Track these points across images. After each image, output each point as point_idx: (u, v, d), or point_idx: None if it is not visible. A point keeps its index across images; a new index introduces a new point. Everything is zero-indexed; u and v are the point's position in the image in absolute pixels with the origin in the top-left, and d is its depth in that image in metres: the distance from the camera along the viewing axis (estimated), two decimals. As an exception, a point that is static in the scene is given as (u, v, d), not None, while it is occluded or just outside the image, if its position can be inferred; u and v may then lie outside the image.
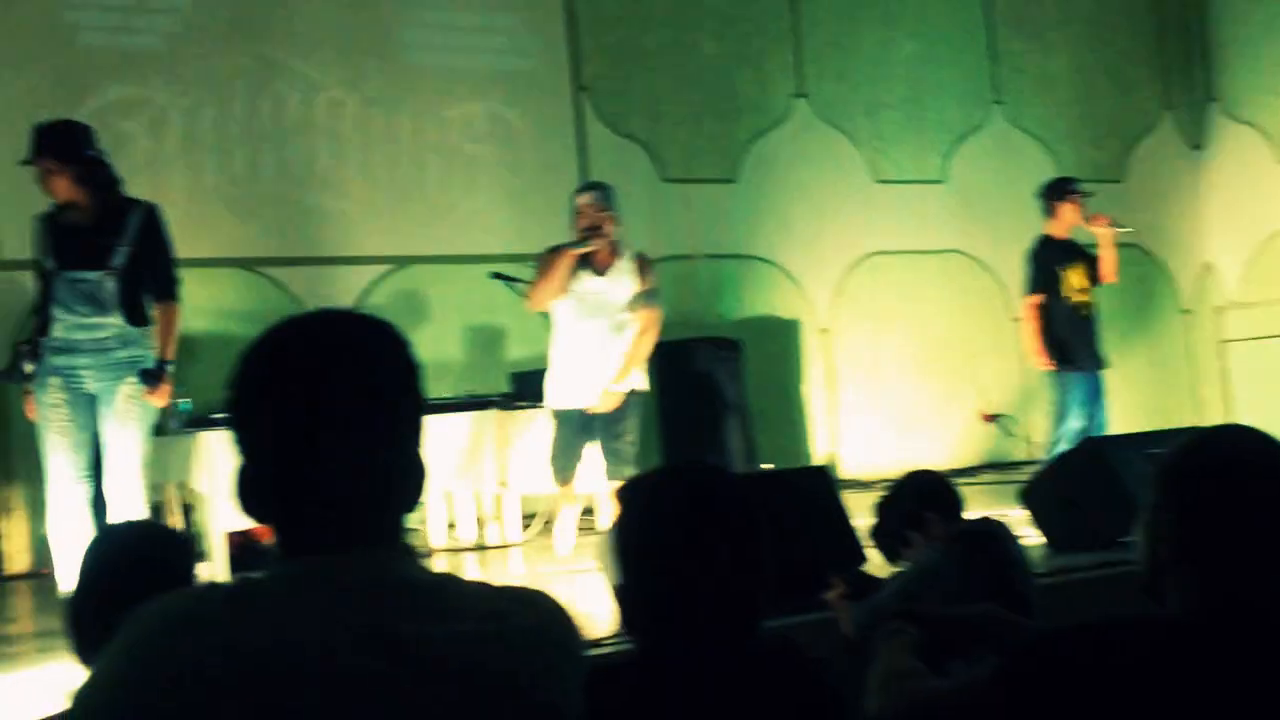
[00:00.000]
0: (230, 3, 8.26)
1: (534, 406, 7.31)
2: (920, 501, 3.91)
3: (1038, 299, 7.66)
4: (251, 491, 1.51)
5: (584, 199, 6.39)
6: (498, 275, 7.65)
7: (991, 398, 10.56)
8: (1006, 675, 1.88)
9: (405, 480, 1.54)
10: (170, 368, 5.32)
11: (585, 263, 6.27)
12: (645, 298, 6.31)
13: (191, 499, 6.47)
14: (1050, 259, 7.69)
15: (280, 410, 1.48)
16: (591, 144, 9.38)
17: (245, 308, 7.98)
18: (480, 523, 7.40)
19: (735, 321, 9.62)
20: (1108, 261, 7.76)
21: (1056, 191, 7.85)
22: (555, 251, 6.31)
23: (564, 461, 6.38)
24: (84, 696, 1.43)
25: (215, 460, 6.23)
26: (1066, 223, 7.76)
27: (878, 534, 4.05)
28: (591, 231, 6.24)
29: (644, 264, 6.40)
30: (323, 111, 8.47)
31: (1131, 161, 11.44)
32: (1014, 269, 10.79)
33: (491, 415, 7.09)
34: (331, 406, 1.47)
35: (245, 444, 1.52)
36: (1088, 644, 1.81)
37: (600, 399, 6.25)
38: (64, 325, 5.22)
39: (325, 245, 8.36)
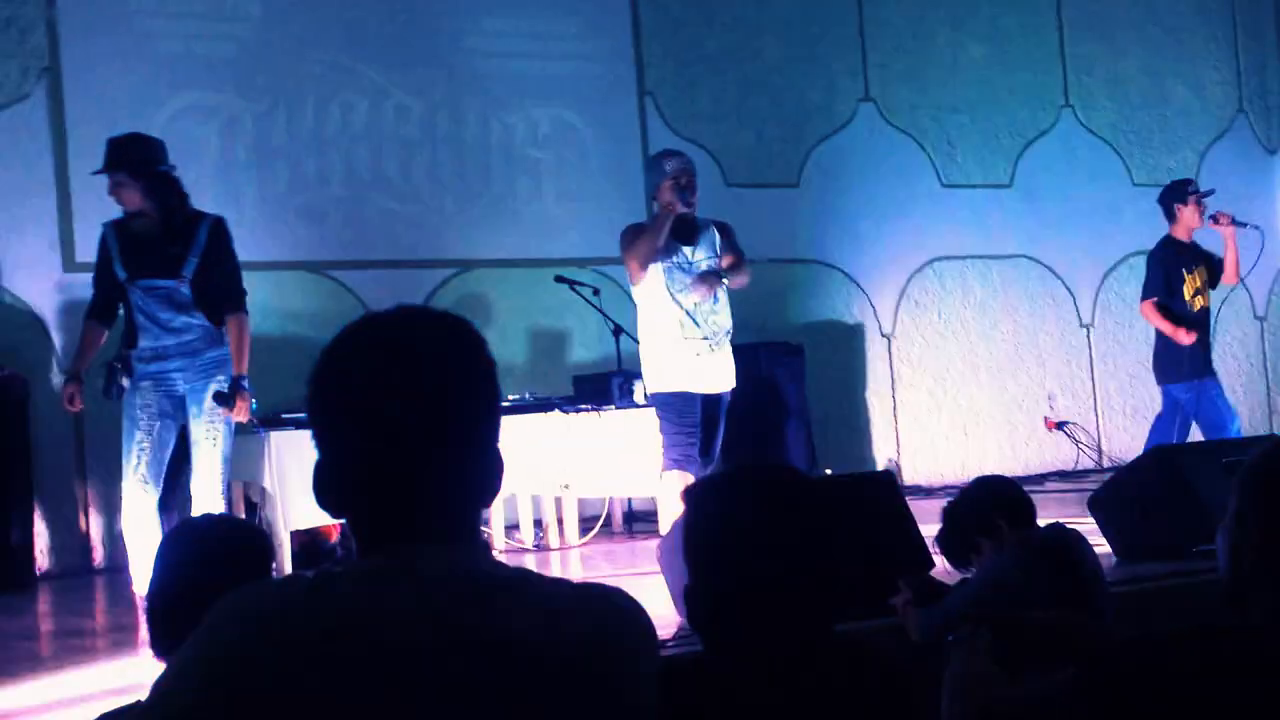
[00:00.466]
0: (301, 12, 8.35)
1: (596, 409, 7.35)
2: (990, 507, 3.88)
3: (1156, 301, 7.60)
4: (329, 486, 1.53)
5: (674, 163, 6.32)
6: (561, 279, 7.69)
7: (1058, 405, 10.47)
8: (1087, 683, 1.86)
9: (482, 475, 1.55)
10: (245, 381, 5.44)
11: (675, 234, 6.22)
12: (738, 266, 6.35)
13: (259, 497, 6.54)
14: (1171, 262, 7.63)
15: (358, 406, 1.50)
16: (655, 148, 9.37)
17: (313, 310, 8.05)
18: (540, 525, 7.43)
19: (798, 326, 9.59)
20: (1231, 261, 7.73)
21: (1176, 193, 7.80)
22: (638, 227, 6.33)
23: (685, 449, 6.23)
24: (166, 684, 1.45)
25: (283, 459, 6.32)
26: (1187, 225, 7.70)
27: (945, 539, 4.02)
28: (689, 193, 6.19)
29: (728, 230, 6.42)
30: (390, 117, 8.54)
31: (1204, 165, 11.30)
32: (1082, 274, 10.80)
33: (554, 417, 7.11)
34: (409, 402, 1.49)
35: (324, 439, 1.54)
36: (1171, 653, 1.79)
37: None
38: (150, 334, 5.36)
39: (392, 249, 8.43)
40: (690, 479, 5.94)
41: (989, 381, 10.32)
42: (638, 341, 6.49)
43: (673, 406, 6.23)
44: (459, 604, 1.44)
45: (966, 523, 3.89)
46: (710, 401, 6.39)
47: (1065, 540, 3.78)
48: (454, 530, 1.51)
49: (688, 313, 6.25)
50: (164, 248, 5.38)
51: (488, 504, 1.57)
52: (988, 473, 4.35)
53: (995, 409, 10.30)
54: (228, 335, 5.51)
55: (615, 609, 1.54)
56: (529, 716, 1.42)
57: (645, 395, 6.72)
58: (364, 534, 1.52)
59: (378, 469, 1.49)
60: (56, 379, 7.46)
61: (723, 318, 6.38)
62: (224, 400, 5.39)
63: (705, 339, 6.29)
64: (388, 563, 1.47)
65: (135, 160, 5.40)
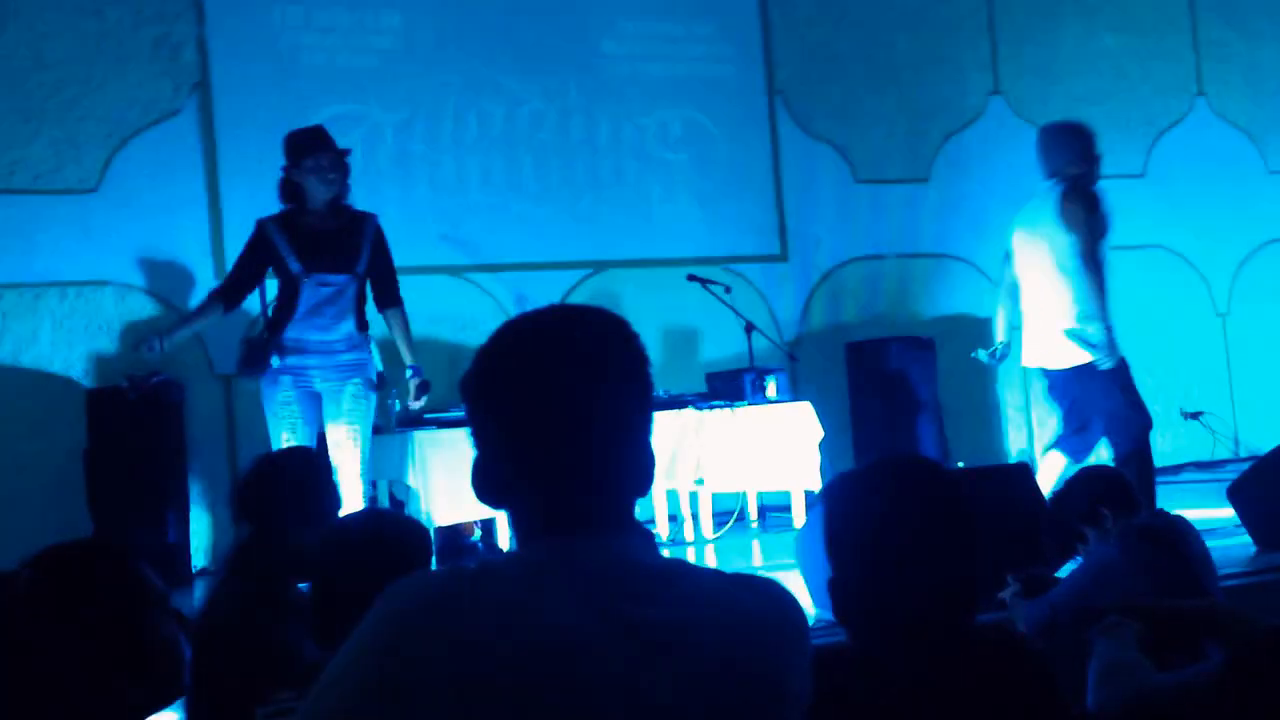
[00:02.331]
0: (439, 22, 8.52)
1: (729, 406, 7.42)
2: (1095, 497, 3.86)
3: None
4: (489, 480, 1.57)
5: None
6: (694, 277, 7.77)
7: (1193, 394, 10.31)
8: (1236, 670, 1.85)
9: (637, 467, 1.58)
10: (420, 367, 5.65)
11: None
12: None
13: (403, 495, 6.68)
14: None
15: (517, 401, 1.53)
16: (784, 147, 9.42)
17: (454, 313, 8.24)
18: (676, 519, 7.51)
19: (929, 320, 9.56)
20: None
21: None
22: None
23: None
24: (335, 674, 1.47)
25: (426, 458, 6.46)
26: None
27: (1050, 529, 4.02)
28: None
29: None
30: (525, 123, 8.68)
31: (1343, 152, 11.02)
32: (1217, 263, 10.60)
33: (687, 414, 7.20)
34: (567, 397, 1.52)
35: (483, 435, 1.57)
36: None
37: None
38: (298, 326, 5.45)
39: (528, 251, 8.58)
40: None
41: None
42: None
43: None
44: (618, 595, 1.46)
45: (1071, 512, 3.88)
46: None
47: (1170, 527, 3.74)
48: (612, 521, 1.54)
49: None
50: (340, 242, 5.50)
51: (643, 494, 1.58)
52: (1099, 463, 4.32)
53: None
54: (370, 337, 5.66)
55: (770, 599, 1.56)
56: (688, 706, 1.44)
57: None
58: (524, 527, 1.55)
59: (537, 463, 1.52)
60: (211, 383, 7.75)
61: None
62: (422, 390, 5.65)
63: None
64: (548, 555, 1.50)
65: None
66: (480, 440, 1.57)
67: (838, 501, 2.15)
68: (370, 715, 1.41)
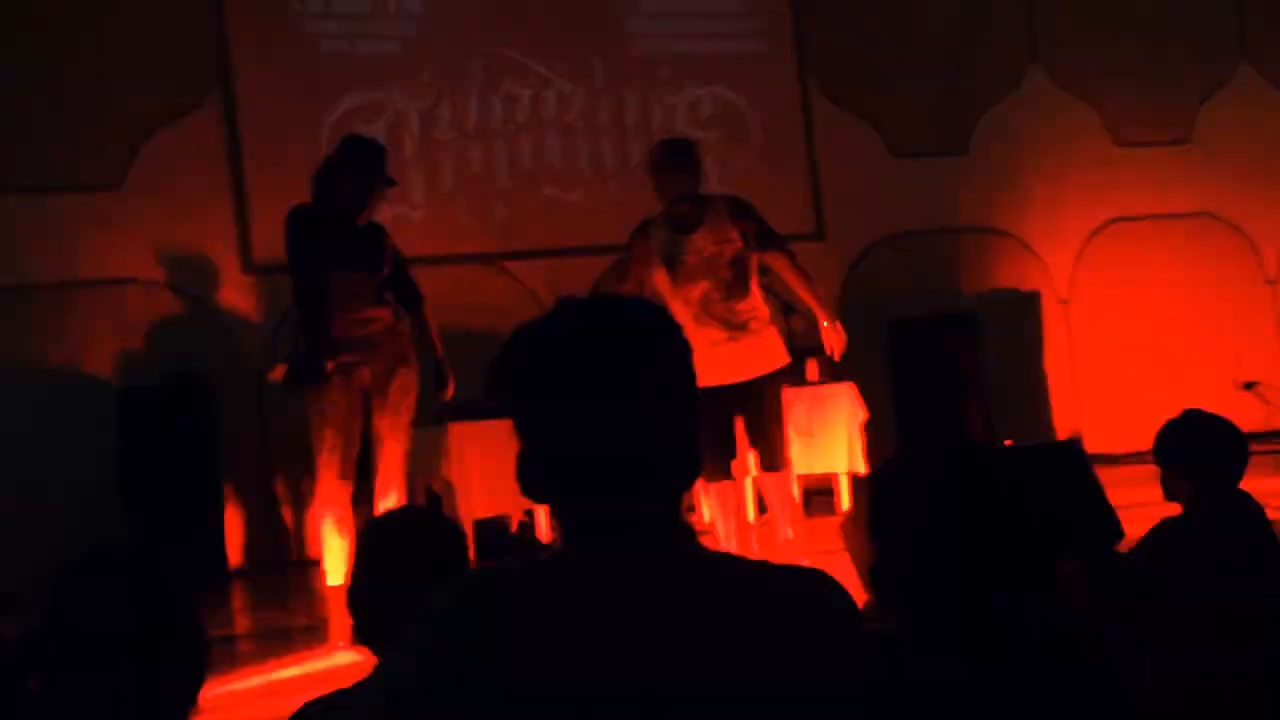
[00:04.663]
0: (461, 6, 8.47)
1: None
2: (1210, 451, 3.68)
3: None
4: (534, 474, 1.55)
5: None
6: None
7: (1247, 364, 10.11)
8: None
9: (680, 461, 1.56)
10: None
11: (674, 224, 5.55)
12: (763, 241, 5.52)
13: (441, 489, 6.64)
14: None
15: (561, 394, 1.52)
16: (818, 123, 9.31)
17: (486, 303, 8.16)
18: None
19: (971, 296, 9.44)
20: None
21: None
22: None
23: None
24: (388, 673, 1.51)
25: (463, 451, 6.41)
26: None
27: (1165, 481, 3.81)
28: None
29: (738, 207, 5.57)
30: (552, 106, 8.61)
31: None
32: (1267, 229, 10.40)
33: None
34: (610, 390, 1.51)
35: (527, 428, 1.56)
36: None
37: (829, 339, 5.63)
38: (341, 322, 5.35)
39: (558, 237, 8.49)
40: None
41: (1173, 343, 10.01)
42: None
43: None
44: (665, 590, 1.46)
45: (1177, 460, 3.68)
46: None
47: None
48: (658, 516, 1.53)
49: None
50: (366, 242, 5.43)
51: (686, 488, 1.58)
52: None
53: (1180, 371, 9.99)
54: (420, 323, 5.62)
55: (820, 590, 1.54)
56: (740, 699, 1.43)
57: None
58: (569, 522, 1.55)
59: (582, 456, 1.52)
60: (241, 379, 7.70)
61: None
62: (441, 381, 5.57)
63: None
64: (593, 551, 1.50)
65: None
66: (524, 434, 1.57)
67: (882, 488, 2.13)
68: (416, 715, 1.44)
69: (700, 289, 5.44)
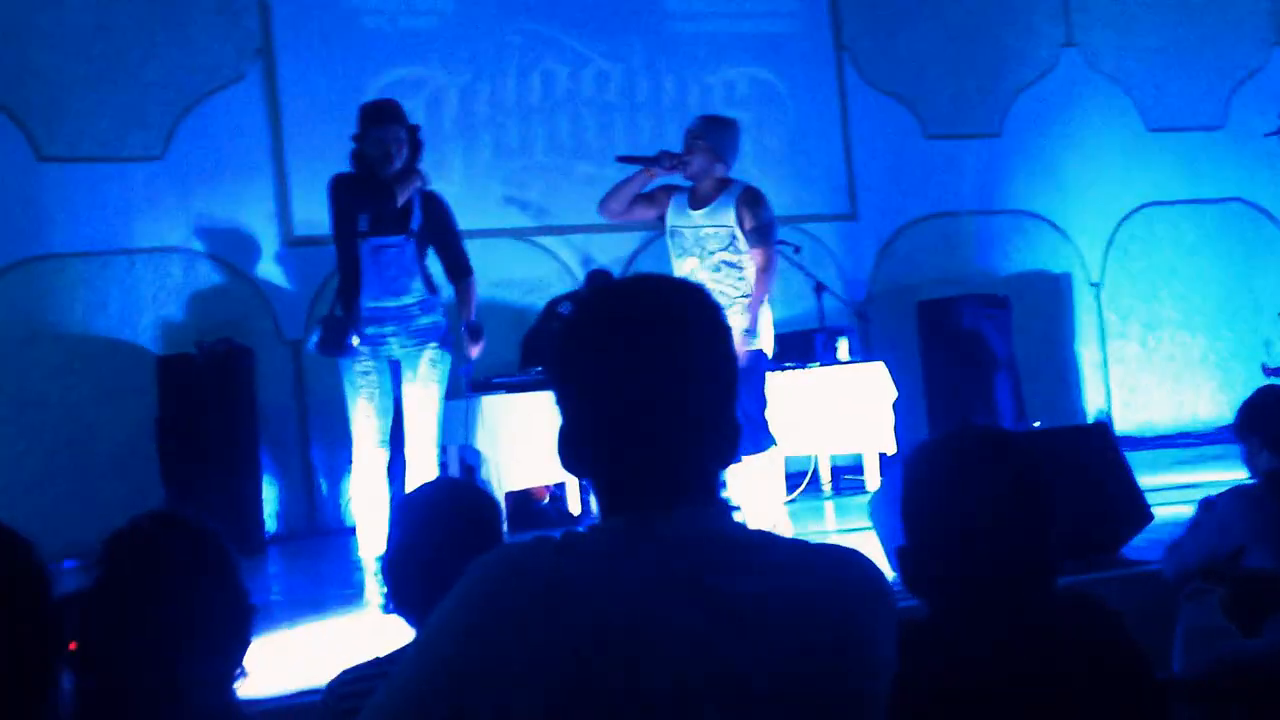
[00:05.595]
0: (500, -19, 8.48)
1: (800, 367, 7.35)
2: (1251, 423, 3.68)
3: None
4: (574, 449, 1.56)
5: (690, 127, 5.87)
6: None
7: (1274, 350, 10.09)
8: None
9: (721, 437, 1.56)
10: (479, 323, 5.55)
11: (684, 196, 5.69)
12: (753, 236, 5.54)
13: (473, 460, 6.67)
14: None
15: (603, 369, 1.53)
16: (852, 103, 9.30)
17: (520, 277, 8.22)
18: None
19: (1003, 278, 9.43)
20: None
21: None
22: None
23: None
24: (423, 647, 1.50)
25: (495, 423, 6.44)
26: None
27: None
28: (670, 155, 5.68)
29: (752, 198, 5.62)
30: (590, 84, 8.63)
31: None
32: (1300, 216, 10.37)
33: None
34: (652, 365, 1.51)
35: (568, 402, 1.57)
36: None
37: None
38: (372, 293, 5.37)
39: (594, 214, 8.50)
40: None
41: (1202, 328, 10.00)
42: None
43: None
44: (702, 565, 1.46)
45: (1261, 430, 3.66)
46: None
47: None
48: (696, 492, 1.53)
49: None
50: (401, 207, 5.38)
51: (726, 464, 1.57)
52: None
53: (1210, 356, 9.98)
54: (460, 294, 5.59)
55: (854, 570, 1.55)
56: (772, 676, 1.44)
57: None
58: (607, 496, 1.55)
59: (622, 432, 1.52)
60: (279, 349, 7.78)
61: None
62: (475, 335, 5.48)
63: None
64: (631, 525, 1.50)
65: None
66: (565, 408, 1.57)
67: (911, 472, 2.13)
68: (458, 691, 1.43)
69: (689, 265, 5.59)
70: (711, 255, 5.55)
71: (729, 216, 5.55)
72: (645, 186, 5.74)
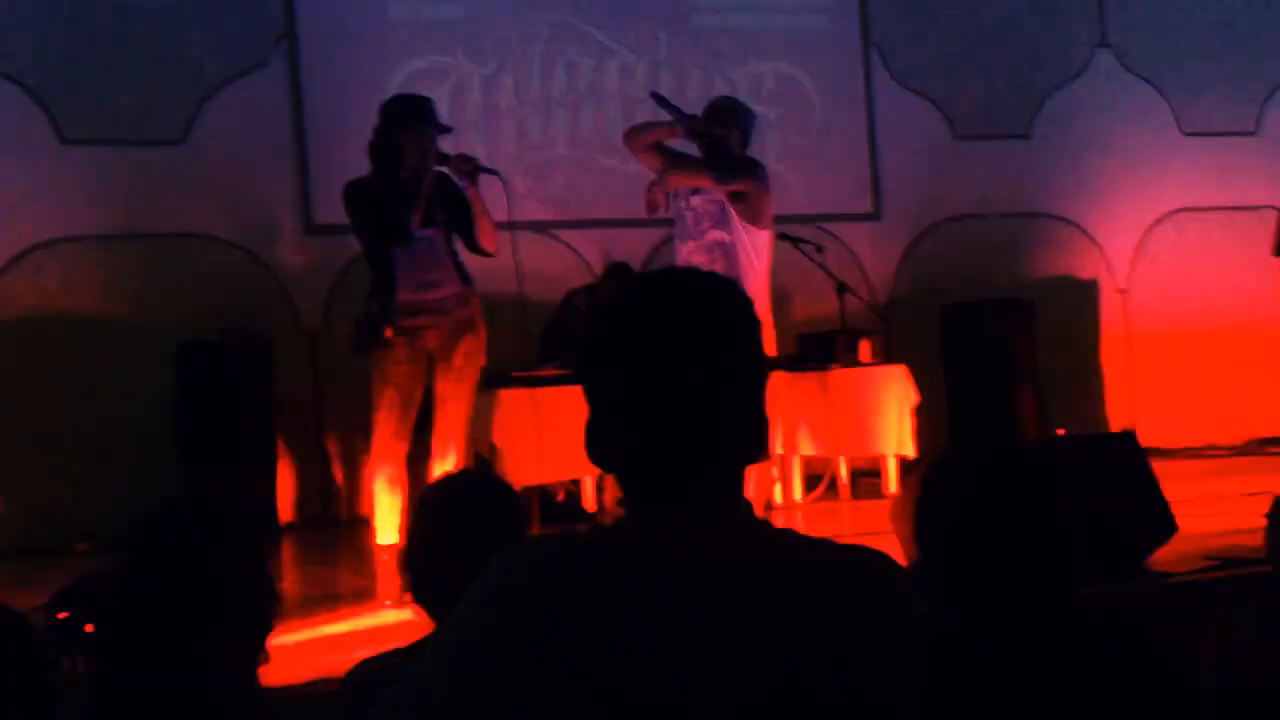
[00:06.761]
0: (525, -29, 8.45)
1: (821, 368, 7.29)
2: None
3: None
4: (601, 442, 1.56)
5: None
6: (784, 236, 7.21)
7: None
8: None
9: (748, 433, 1.56)
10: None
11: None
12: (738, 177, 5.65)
13: (488, 454, 6.65)
14: None
15: (631, 364, 1.53)
16: (880, 101, 9.24)
17: (539, 270, 8.16)
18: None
19: (1029, 282, 9.35)
20: None
21: None
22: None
23: None
24: (446, 640, 1.52)
25: (511, 418, 6.41)
26: None
27: None
28: (697, 125, 5.78)
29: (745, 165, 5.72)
30: (614, 76, 8.59)
31: None
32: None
33: (778, 376, 7.06)
34: (680, 361, 1.51)
35: (597, 396, 1.57)
36: None
37: None
38: (407, 288, 5.33)
39: (615, 207, 8.48)
40: None
41: (1232, 337, 9.90)
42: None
43: None
44: (725, 562, 1.47)
45: None
46: None
47: None
48: (721, 489, 1.54)
49: None
50: (432, 198, 5.33)
51: (754, 460, 1.58)
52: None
53: (1239, 366, 9.88)
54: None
55: (880, 571, 1.54)
56: (794, 675, 1.43)
57: None
58: (634, 491, 1.55)
59: (650, 426, 1.52)
60: (297, 337, 7.77)
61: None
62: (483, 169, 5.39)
63: None
64: (657, 521, 1.51)
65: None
66: (593, 402, 1.58)
67: (933, 486, 2.13)
68: (482, 685, 1.44)
69: (686, 249, 5.68)
70: (704, 235, 5.63)
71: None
72: (669, 139, 5.89)
